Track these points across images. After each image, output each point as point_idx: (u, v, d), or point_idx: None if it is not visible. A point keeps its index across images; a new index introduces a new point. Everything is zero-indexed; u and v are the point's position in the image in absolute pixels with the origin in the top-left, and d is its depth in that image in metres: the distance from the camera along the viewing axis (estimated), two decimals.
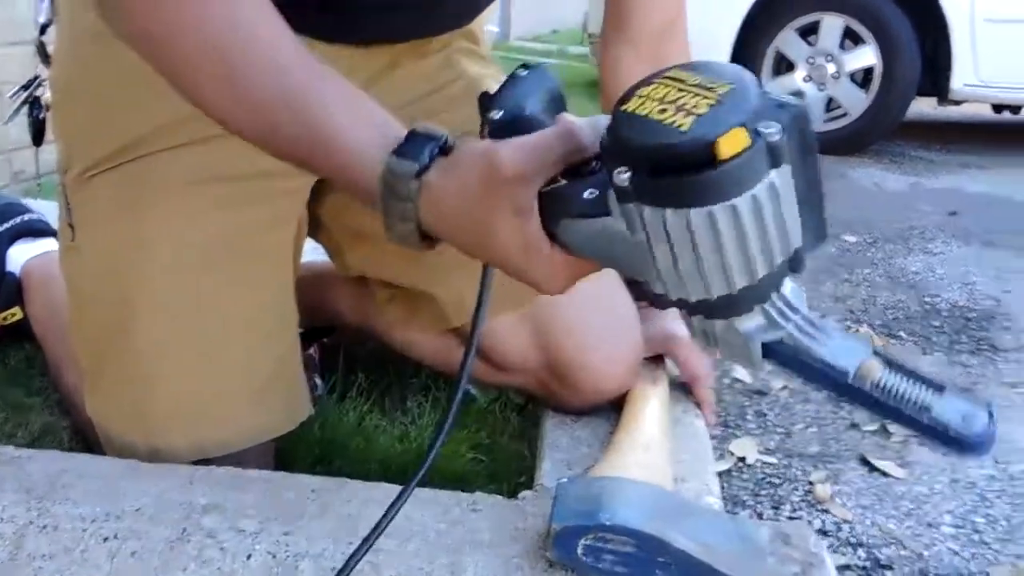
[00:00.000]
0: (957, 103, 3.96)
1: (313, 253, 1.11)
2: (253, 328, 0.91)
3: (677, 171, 0.47)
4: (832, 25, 3.75)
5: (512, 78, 0.64)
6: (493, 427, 1.20)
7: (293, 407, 0.97)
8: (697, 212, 0.47)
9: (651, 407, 0.97)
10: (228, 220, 0.87)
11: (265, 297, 0.93)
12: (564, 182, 0.54)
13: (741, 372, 1.56)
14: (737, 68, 0.50)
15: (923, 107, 4.01)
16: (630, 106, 0.50)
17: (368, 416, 1.17)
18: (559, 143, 0.55)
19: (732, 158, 0.46)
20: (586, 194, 0.53)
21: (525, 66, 0.65)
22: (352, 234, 1.04)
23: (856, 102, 3.77)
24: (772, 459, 1.28)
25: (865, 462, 1.28)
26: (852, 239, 2.48)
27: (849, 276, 2.15)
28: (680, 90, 0.49)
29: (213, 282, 0.88)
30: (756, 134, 0.46)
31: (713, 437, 1.31)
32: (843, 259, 2.30)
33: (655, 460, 0.88)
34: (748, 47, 3.81)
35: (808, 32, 3.81)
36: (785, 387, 1.52)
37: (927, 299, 2.00)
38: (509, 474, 1.08)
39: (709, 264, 0.49)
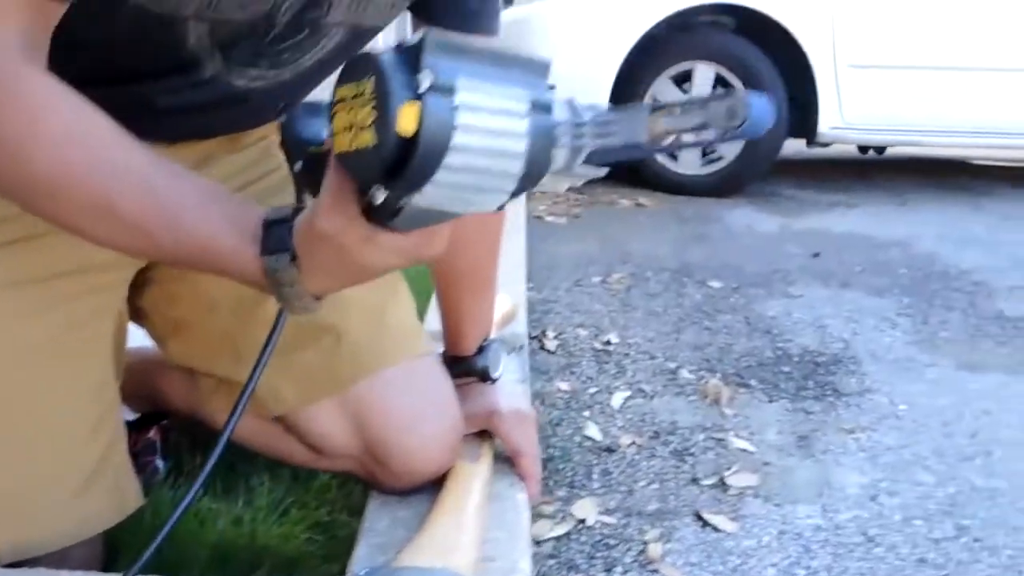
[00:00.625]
0: (825, 145, 4.13)
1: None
2: (71, 426, 0.91)
3: (402, 166, 0.53)
4: (704, 73, 3.89)
5: (285, 125, 0.69)
6: (334, 503, 1.21)
7: (118, 501, 0.97)
8: (441, 172, 0.53)
9: (469, 486, 0.99)
10: (42, 320, 0.88)
11: (83, 393, 0.93)
12: (379, 196, 0.58)
13: (592, 430, 1.61)
14: (369, 56, 0.54)
15: (800, 146, 4.18)
16: (336, 148, 0.58)
17: (203, 500, 1.17)
18: (339, 184, 0.61)
19: (420, 125, 0.52)
20: (383, 199, 0.58)
21: (287, 112, 0.70)
22: (173, 325, 1.04)
23: (730, 147, 3.91)
24: (611, 519, 1.33)
25: (699, 518, 1.33)
26: (717, 285, 2.57)
27: (710, 324, 2.23)
28: (348, 111, 0.56)
29: (28, 382, 0.88)
30: (417, 94, 0.52)
31: (558, 499, 1.36)
32: (706, 305, 2.39)
33: (466, 541, 0.91)
34: (625, 93, 3.92)
35: (683, 80, 3.95)
36: (633, 443, 1.57)
37: (780, 345, 2.09)
38: (345, 554, 1.10)
39: (488, 184, 0.56)
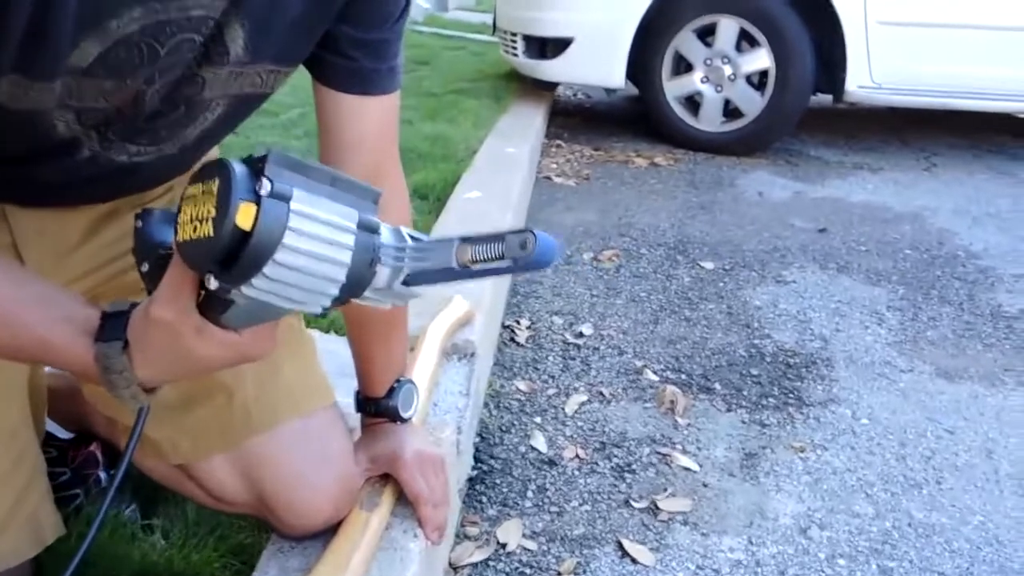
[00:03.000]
0: (852, 104, 4.00)
1: None
2: None
3: (236, 258, 0.58)
4: (728, 28, 3.77)
5: (139, 228, 0.73)
6: (256, 527, 1.24)
7: (35, 534, 1.01)
8: (270, 266, 0.58)
9: (356, 538, 1.02)
10: None
11: None
12: (212, 284, 0.62)
13: (539, 439, 1.62)
14: (220, 161, 0.60)
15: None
16: (179, 236, 0.63)
17: (130, 519, 1.22)
18: (179, 276, 0.65)
19: (255, 223, 0.57)
20: (220, 295, 0.63)
21: (145, 212, 0.73)
22: None
23: (751, 104, 3.81)
24: (533, 544, 1.35)
25: (620, 547, 1.35)
26: (710, 266, 2.54)
27: (691, 313, 2.22)
28: (194, 206, 0.61)
29: None
30: (256, 196, 0.58)
31: (486, 519, 1.38)
32: (692, 291, 2.36)
33: None
34: (647, 47, 3.83)
35: (706, 34, 3.83)
36: (576, 456, 1.58)
37: (756, 342, 2.07)
38: None
39: (311, 284, 0.61)
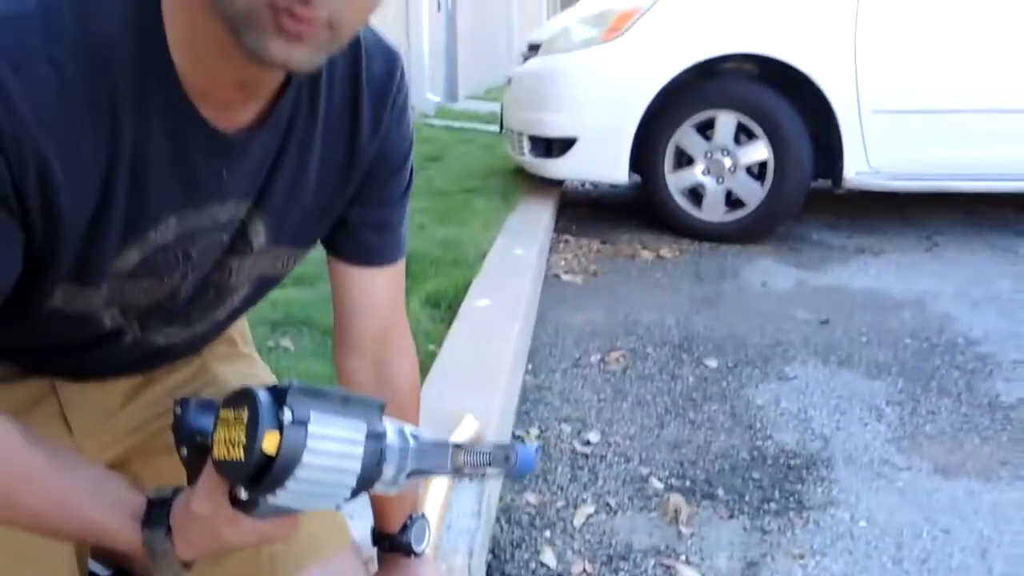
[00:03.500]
0: (851, 190, 4.12)
1: None
2: None
3: (264, 475, 0.69)
4: (726, 122, 3.92)
5: (180, 414, 0.83)
6: None
7: None
8: (291, 482, 0.69)
9: None
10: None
11: None
12: (243, 495, 0.73)
13: (548, 555, 1.70)
14: (249, 391, 0.70)
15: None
16: (215, 453, 0.73)
17: None
18: (214, 480, 0.74)
19: (279, 449, 0.68)
20: (247, 496, 0.74)
21: (183, 401, 0.83)
22: None
23: (752, 194, 3.94)
24: None
25: None
26: (713, 364, 2.63)
27: (695, 416, 2.30)
28: (227, 428, 0.71)
29: None
30: (279, 425, 0.68)
31: None
32: (696, 391, 2.45)
33: None
34: (649, 142, 3.98)
35: (705, 128, 3.98)
36: (584, 571, 1.66)
37: (758, 444, 2.15)
38: None
39: (327, 490, 0.71)
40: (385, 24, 6.62)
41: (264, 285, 1.03)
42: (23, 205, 0.74)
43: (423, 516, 1.27)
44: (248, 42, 0.69)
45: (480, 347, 2.33)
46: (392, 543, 1.23)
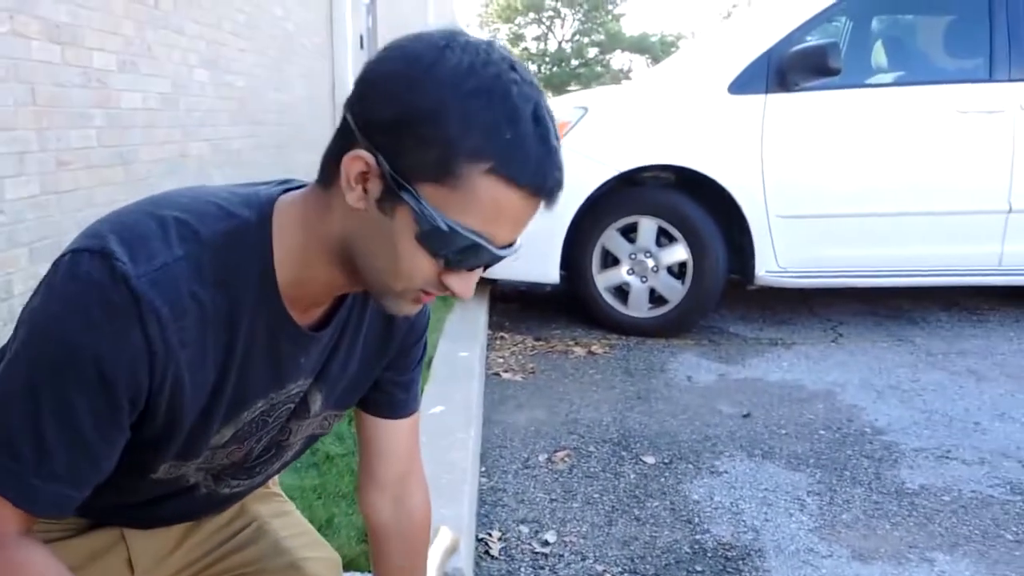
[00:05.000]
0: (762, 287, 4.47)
1: None
2: None
3: None
4: (647, 226, 4.25)
5: None
6: None
7: None
8: None
9: None
10: None
11: None
12: None
13: None
14: None
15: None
16: None
17: None
18: None
19: None
20: None
21: None
22: None
23: (673, 292, 4.25)
24: None
25: None
26: (651, 460, 2.87)
27: (639, 513, 2.53)
28: None
29: None
30: None
31: None
32: (639, 488, 2.68)
33: None
34: (578, 243, 4.27)
35: (629, 231, 4.30)
36: None
37: (698, 537, 2.38)
38: None
39: None
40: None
41: (311, 441, 1.23)
42: (149, 411, 0.93)
43: None
44: (387, 306, 0.94)
45: (440, 455, 2.52)
46: None
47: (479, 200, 0.84)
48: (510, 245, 0.89)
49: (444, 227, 0.85)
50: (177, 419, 0.96)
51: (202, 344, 0.93)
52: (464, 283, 0.92)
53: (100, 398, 0.88)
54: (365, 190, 0.88)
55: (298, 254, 0.96)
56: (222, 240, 0.93)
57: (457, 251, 0.87)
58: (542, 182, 0.85)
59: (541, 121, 0.84)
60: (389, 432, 1.26)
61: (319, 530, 2.19)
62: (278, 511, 1.38)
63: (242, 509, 1.34)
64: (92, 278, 0.86)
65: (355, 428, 1.30)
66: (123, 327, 0.86)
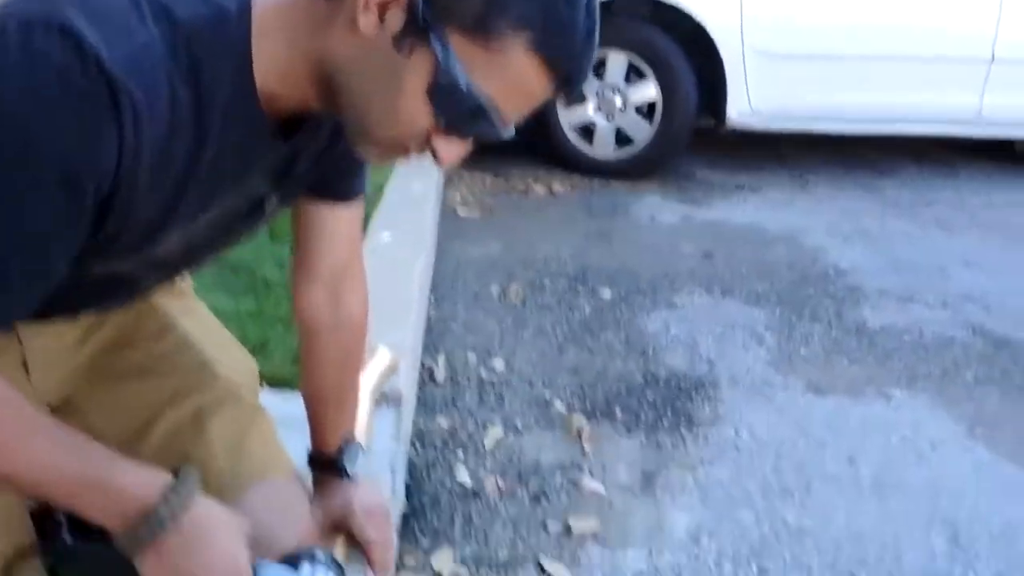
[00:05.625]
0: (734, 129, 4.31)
1: None
2: None
3: None
4: (616, 61, 4.03)
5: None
6: None
7: None
8: None
9: None
10: None
11: None
12: None
13: (462, 473, 1.81)
14: None
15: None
16: None
17: None
18: None
19: None
20: None
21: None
22: None
23: (641, 132, 4.08)
24: (464, 570, 1.54)
25: (539, 566, 1.55)
26: (607, 295, 2.77)
27: (592, 343, 2.44)
28: None
29: None
30: None
31: (421, 550, 1.56)
32: (594, 320, 2.59)
33: None
34: None
35: (597, 66, 4.08)
36: (496, 487, 1.78)
37: (651, 368, 2.31)
38: None
39: None
40: None
41: (248, 236, 1.09)
42: (107, 213, 0.78)
43: (356, 441, 1.35)
44: (356, 145, 0.82)
45: (387, 281, 2.39)
46: (327, 465, 1.30)
47: (506, 70, 0.75)
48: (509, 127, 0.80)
49: (463, 86, 0.74)
50: (132, 224, 0.83)
51: (169, 142, 0.78)
52: (452, 150, 0.81)
53: (61, 200, 0.74)
54: (382, 18, 0.75)
55: (277, 66, 0.81)
56: (200, 26, 0.77)
57: (464, 114, 0.77)
58: (575, 76, 0.78)
59: (591, 14, 0.78)
60: (330, 219, 1.13)
61: (252, 352, 2.09)
62: (188, 309, 1.24)
63: (149, 305, 1.20)
64: (53, 59, 0.70)
65: (291, 219, 1.16)
66: (93, 120, 0.71)
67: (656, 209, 3.72)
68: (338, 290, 1.18)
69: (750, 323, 2.61)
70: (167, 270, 1.04)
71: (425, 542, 1.60)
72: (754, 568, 1.58)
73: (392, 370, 1.85)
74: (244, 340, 2.08)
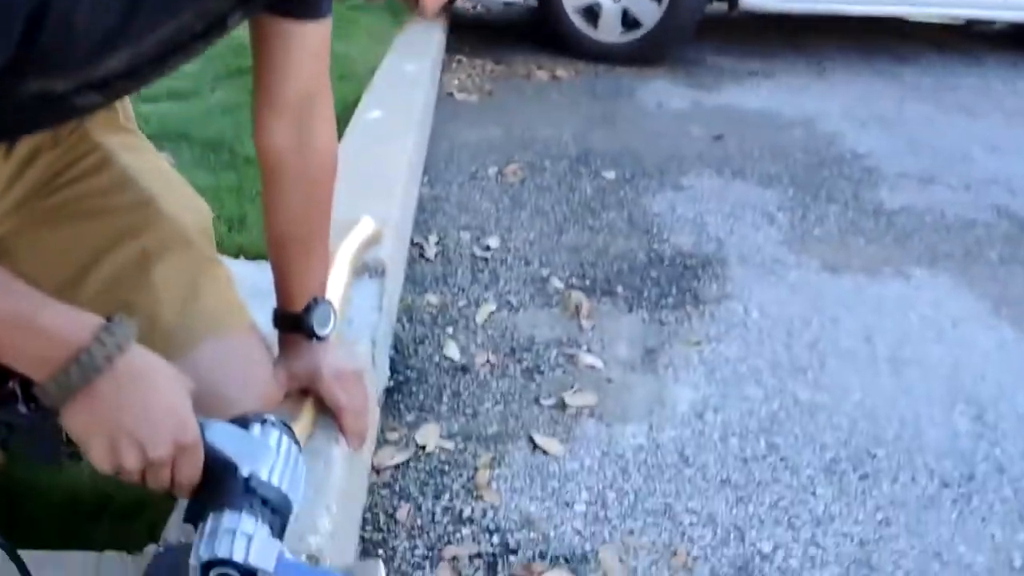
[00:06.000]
0: (746, 12, 4.09)
1: None
2: None
3: None
4: None
5: None
6: None
7: None
8: None
9: None
10: None
11: None
12: None
13: (451, 348, 1.69)
14: None
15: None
16: None
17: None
18: None
19: None
20: None
21: None
22: None
23: (649, 14, 3.86)
24: (450, 444, 1.43)
25: (532, 441, 1.44)
26: (611, 176, 2.62)
27: (593, 222, 2.30)
28: None
29: None
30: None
31: (405, 425, 1.46)
32: (595, 200, 2.44)
33: None
34: None
35: None
36: (488, 361, 1.66)
37: (655, 247, 2.17)
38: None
39: None
40: None
41: (197, 56, 0.95)
42: (34, 26, 0.66)
43: (328, 301, 1.22)
44: None
45: (375, 156, 2.24)
46: (295, 324, 1.18)
47: None
48: None
49: None
50: (73, 41, 0.70)
51: None
52: None
53: None
54: None
55: None
56: None
57: None
58: None
59: None
60: (296, 38, 0.99)
61: (228, 230, 1.96)
62: (131, 145, 1.11)
63: (86, 139, 1.06)
64: None
65: (252, 42, 1.01)
66: None
67: (664, 95, 3.54)
68: (304, 118, 1.05)
69: (762, 204, 2.46)
70: (108, 91, 0.90)
71: (410, 417, 1.49)
72: (762, 443, 1.47)
73: (375, 240, 1.72)
74: (224, 215, 1.96)
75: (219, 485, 0.78)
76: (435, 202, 2.37)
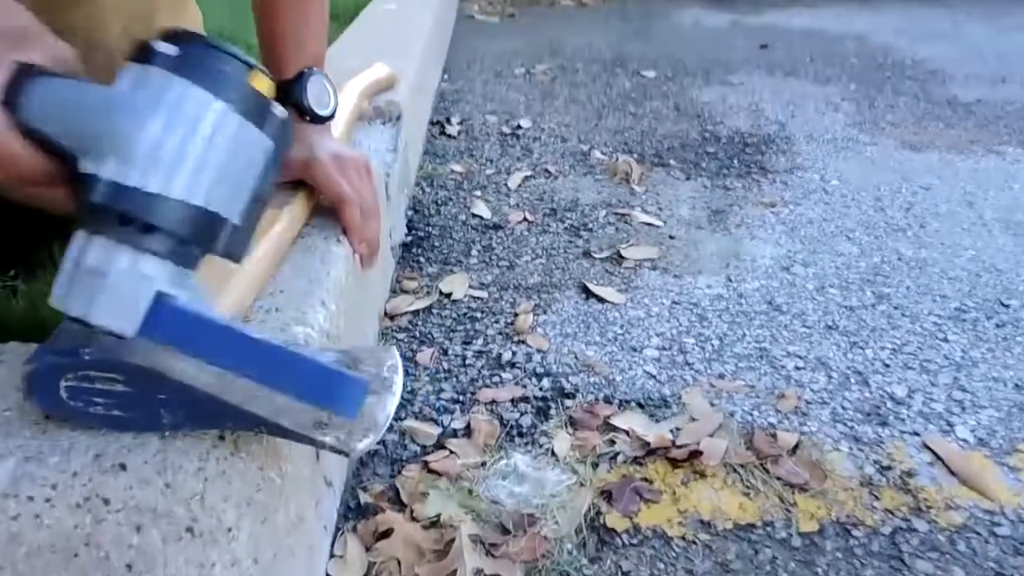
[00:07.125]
0: None
1: None
2: None
3: None
4: None
5: None
6: None
7: None
8: None
9: (267, 225, 0.81)
10: None
11: None
12: None
13: (480, 208, 1.43)
14: None
15: None
16: None
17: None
18: None
19: None
20: None
21: None
22: None
23: None
24: (483, 293, 1.16)
25: (584, 290, 1.17)
26: (651, 74, 2.35)
27: (636, 109, 2.03)
28: None
29: None
30: None
31: (426, 276, 1.19)
32: (635, 92, 2.17)
33: (232, 285, 0.73)
34: None
35: None
36: (524, 219, 1.39)
37: (709, 128, 1.90)
38: None
39: None
40: None
41: None
42: None
43: (326, 76, 0.96)
44: None
45: (390, 35, 1.98)
46: (286, 94, 0.91)
47: None
48: None
49: None
50: None
51: None
52: None
53: None
54: None
55: None
56: None
57: None
58: None
59: None
60: None
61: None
62: None
63: None
64: None
65: None
66: None
67: (699, 16, 3.27)
68: None
69: (823, 96, 2.19)
70: None
71: (431, 268, 1.22)
72: (868, 294, 1.19)
73: (388, 85, 1.46)
74: (217, 33, 1.70)
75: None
76: (456, 93, 2.11)
